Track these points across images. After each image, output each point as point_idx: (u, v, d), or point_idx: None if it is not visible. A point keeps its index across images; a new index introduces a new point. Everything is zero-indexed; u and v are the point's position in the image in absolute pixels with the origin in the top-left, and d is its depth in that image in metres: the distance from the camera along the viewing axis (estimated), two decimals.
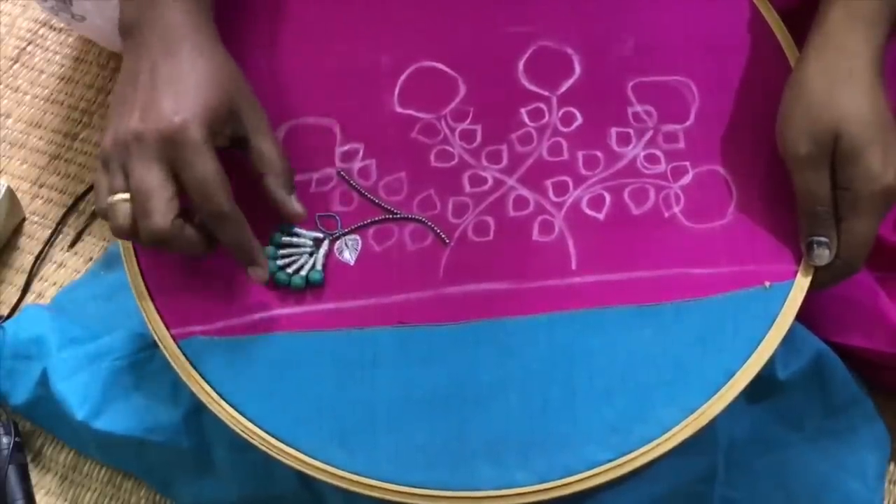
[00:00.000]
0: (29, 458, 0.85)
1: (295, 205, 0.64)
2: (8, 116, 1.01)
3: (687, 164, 0.67)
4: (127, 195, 0.60)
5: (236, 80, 0.64)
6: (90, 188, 0.97)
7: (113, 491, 0.85)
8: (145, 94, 0.61)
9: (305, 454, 0.62)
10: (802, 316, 0.65)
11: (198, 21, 0.64)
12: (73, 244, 0.95)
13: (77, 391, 0.79)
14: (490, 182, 0.68)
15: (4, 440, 0.83)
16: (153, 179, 0.59)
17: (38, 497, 0.84)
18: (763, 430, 0.78)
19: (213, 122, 0.61)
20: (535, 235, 0.66)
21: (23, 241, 0.96)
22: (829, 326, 0.79)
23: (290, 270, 0.66)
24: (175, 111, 0.59)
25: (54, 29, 1.05)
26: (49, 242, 0.95)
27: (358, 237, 0.67)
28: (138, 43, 0.63)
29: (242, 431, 0.62)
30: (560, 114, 0.69)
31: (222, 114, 0.62)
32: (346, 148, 0.69)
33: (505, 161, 0.68)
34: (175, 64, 0.61)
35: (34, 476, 0.85)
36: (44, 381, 0.81)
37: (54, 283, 0.94)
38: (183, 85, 0.61)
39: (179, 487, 0.81)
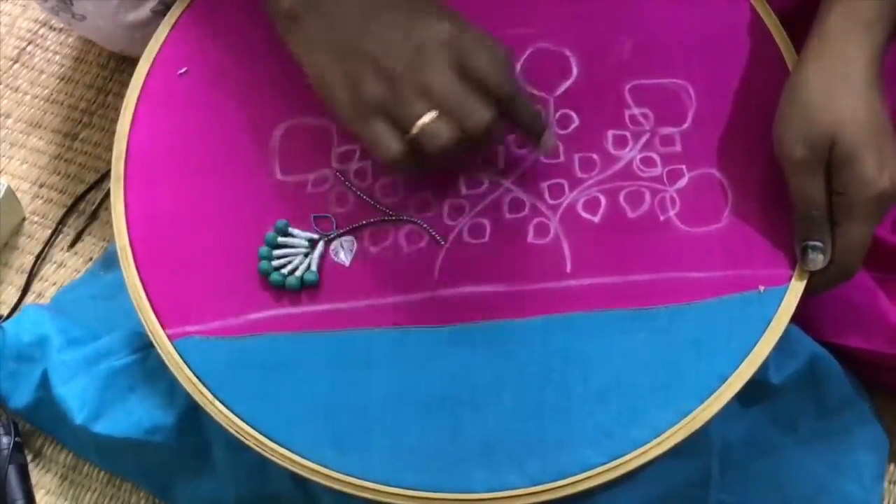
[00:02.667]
0: (29, 458, 0.86)
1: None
2: (8, 116, 1.01)
3: (683, 167, 0.67)
4: (434, 113, 0.59)
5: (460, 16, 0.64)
6: (90, 188, 0.97)
7: (113, 491, 0.85)
8: (385, 29, 0.60)
9: (299, 455, 0.62)
10: (800, 317, 0.65)
11: None
12: (73, 244, 0.96)
13: (76, 395, 0.79)
14: (486, 184, 0.68)
15: (4, 440, 0.83)
16: (458, 81, 0.59)
17: (38, 497, 0.84)
18: (757, 433, 0.78)
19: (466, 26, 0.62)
20: (531, 238, 0.66)
21: (23, 241, 0.96)
22: (828, 327, 0.79)
23: (285, 271, 0.66)
24: (436, 18, 0.60)
25: (54, 29, 1.05)
26: (49, 242, 0.95)
27: (353, 238, 0.67)
28: (321, 22, 0.62)
29: (236, 432, 0.63)
30: (557, 116, 0.69)
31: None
32: (342, 149, 0.69)
33: (501, 163, 0.68)
34: (387, 5, 0.61)
35: (34, 476, 0.85)
36: (44, 383, 0.81)
37: (54, 283, 0.94)
38: (413, 8, 0.61)
39: (177, 489, 0.82)
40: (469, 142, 0.59)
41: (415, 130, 0.59)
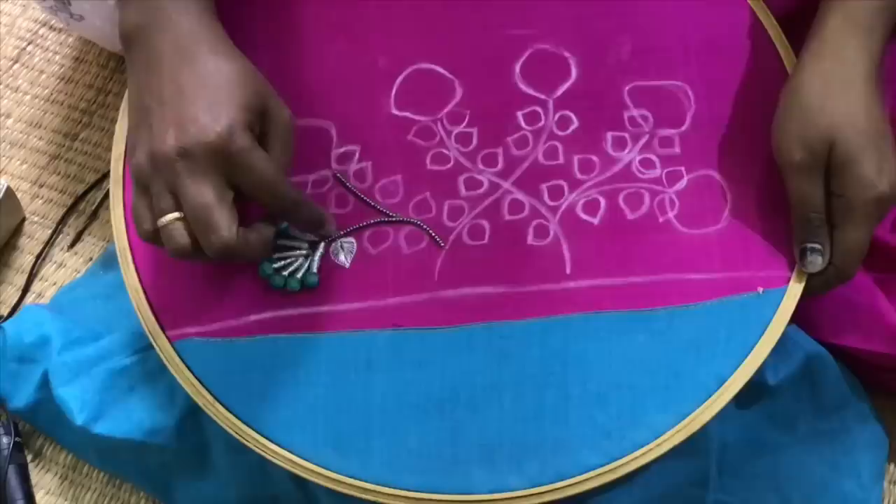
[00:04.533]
0: (29, 458, 0.86)
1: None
2: (8, 116, 1.01)
3: (682, 169, 0.67)
4: (178, 214, 0.58)
5: (258, 78, 0.62)
6: (90, 188, 0.97)
7: (113, 491, 0.85)
8: (175, 106, 0.58)
9: (299, 456, 0.62)
10: (799, 318, 0.66)
11: (209, 22, 0.62)
12: (73, 244, 0.96)
13: (76, 396, 0.79)
14: (485, 185, 0.68)
15: (4, 440, 0.83)
16: (210, 194, 0.57)
17: (38, 497, 0.84)
18: (755, 433, 0.78)
19: (251, 124, 0.59)
20: (530, 239, 0.66)
21: (23, 241, 0.96)
22: (828, 328, 0.79)
23: (285, 273, 0.66)
24: (215, 120, 0.57)
25: (54, 29, 1.05)
26: (49, 242, 0.95)
27: (353, 240, 0.67)
28: (148, 50, 0.61)
29: (236, 433, 0.63)
30: (556, 117, 0.69)
31: (256, 114, 0.60)
32: (342, 150, 0.69)
33: (500, 164, 0.68)
34: (197, 70, 0.59)
35: (34, 476, 0.85)
36: (45, 384, 0.81)
37: (54, 283, 0.94)
38: (213, 91, 0.59)
39: (177, 491, 0.81)
40: (216, 253, 0.58)
41: (159, 223, 0.59)
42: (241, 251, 0.59)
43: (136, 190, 0.60)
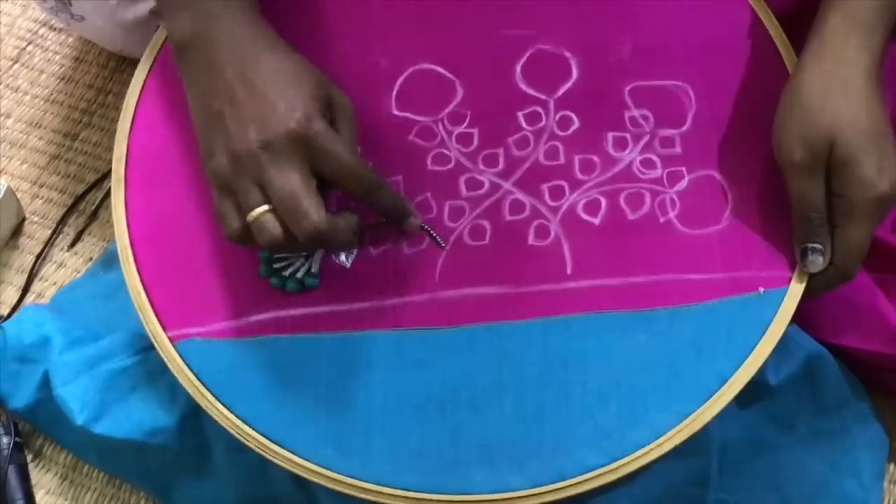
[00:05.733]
0: (29, 458, 0.86)
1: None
2: (8, 116, 1.01)
3: (683, 169, 0.67)
4: (267, 206, 0.59)
5: (316, 69, 0.64)
6: (90, 188, 0.97)
7: (113, 491, 0.85)
8: (248, 104, 0.60)
9: (300, 456, 0.62)
10: (800, 318, 0.66)
11: (261, 24, 0.64)
12: (73, 244, 0.96)
13: (77, 396, 0.79)
14: (486, 186, 0.68)
15: (4, 440, 0.83)
16: (296, 181, 0.59)
17: (38, 497, 0.84)
18: (756, 432, 0.78)
19: (322, 111, 0.61)
20: (531, 240, 0.66)
21: (23, 241, 0.96)
22: (828, 327, 0.80)
23: (285, 273, 0.66)
24: (291, 109, 0.59)
25: (54, 29, 1.05)
26: (49, 242, 0.95)
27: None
28: (207, 57, 0.62)
29: (237, 433, 0.63)
30: (557, 118, 0.69)
31: (324, 102, 0.62)
32: None
33: (501, 165, 0.68)
34: (262, 68, 0.61)
35: (34, 476, 0.85)
36: (45, 384, 0.81)
37: (54, 283, 0.94)
38: (282, 86, 0.60)
39: (178, 491, 0.81)
40: (299, 241, 0.59)
41: (249, 218, 0.60)
42: (332, 235, 0.60)
43: (219, 193, 0.61)
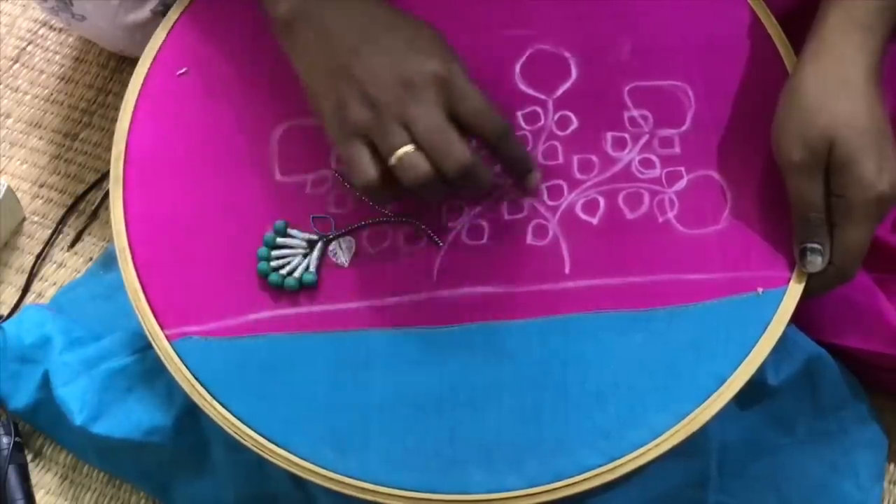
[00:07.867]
0: (29, 458, 0.86)
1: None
2: (8, 116, 1.02)
3: (682, 169, 0.67)
4: (411, 146, 0.59)
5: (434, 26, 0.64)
6: (90, 188, 0.97)
7: (113, 491, 0.85)
8: (377, 52, 0.61)
9: (297, 456, 0.62)
10: (799, 318, 0.65)
11: None
12: (73, 244, 0.96)
13: (76, 396, 0.79)
14: None
15: (4, 440, 0.83)
16: (441, 119, 0.59)
17: (38, 497, 0.84)
18: (755, 433, 0.78)
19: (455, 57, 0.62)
20: (529, 239, 0.66)
21: (23, 241, 0.96)
22: (828, 328, 0.79)
23: (283, 272, 0.66)
24: (429, 52, 0.61)
25: (54, 29, 1.05)
26: (49, 242, 0.96)
27: (352, 239, 0.67)
28: (318, 26, 0.62)
29: (235, 432, 0.63)
30: (556, 117, 0.69)
31: (454, 54, 0.63)
32: None
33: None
34: (382, 23, 0.62)
35: (34, 476, 0.85)
36: (45, 384, 0.81)
37: (54, 283, 0.94)
38: (408, 37, 0.62)
39: (176, 490, 0.82)
40: (445, 179, 0.59)
41: (393, 160, 0.59)
42: (479, 172, 0.60)
43: (350, 144, 0.60)
